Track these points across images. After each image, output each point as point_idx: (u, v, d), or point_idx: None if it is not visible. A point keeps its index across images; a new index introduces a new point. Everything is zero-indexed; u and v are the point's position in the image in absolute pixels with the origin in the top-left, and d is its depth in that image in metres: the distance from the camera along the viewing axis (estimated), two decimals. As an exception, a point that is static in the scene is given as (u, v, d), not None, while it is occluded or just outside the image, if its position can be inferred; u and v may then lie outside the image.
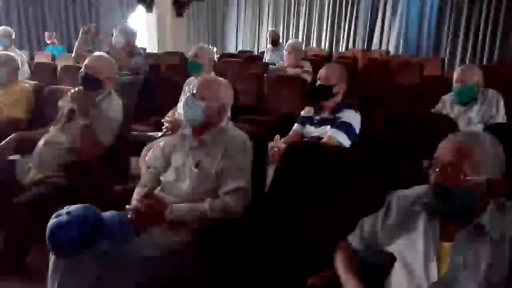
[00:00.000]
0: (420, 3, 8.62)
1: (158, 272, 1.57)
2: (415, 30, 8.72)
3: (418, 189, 1.23)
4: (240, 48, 11.30)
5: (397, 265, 1.18)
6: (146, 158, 2.55)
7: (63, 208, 2.09)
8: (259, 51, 9.84)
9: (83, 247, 1.41)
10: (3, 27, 4.90)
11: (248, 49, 10.86)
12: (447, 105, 2.90)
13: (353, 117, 2.31)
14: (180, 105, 3.15)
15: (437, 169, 1.12)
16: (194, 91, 1.80)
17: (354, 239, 1.33)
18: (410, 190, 1.26)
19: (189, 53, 3.14)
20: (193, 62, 3.02)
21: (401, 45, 8.84)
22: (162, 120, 3.04)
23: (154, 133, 3.18)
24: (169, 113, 3.14)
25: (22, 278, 2.25)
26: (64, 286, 1.40)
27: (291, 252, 1.54)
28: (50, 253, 1.45)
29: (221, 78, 1.88)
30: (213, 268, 1.57)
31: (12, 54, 3.16)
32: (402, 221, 1.21)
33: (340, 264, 1.27)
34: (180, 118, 2.99)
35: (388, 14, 9.01)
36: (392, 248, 1.20)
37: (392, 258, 1.21)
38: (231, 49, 11.18)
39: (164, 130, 2.97)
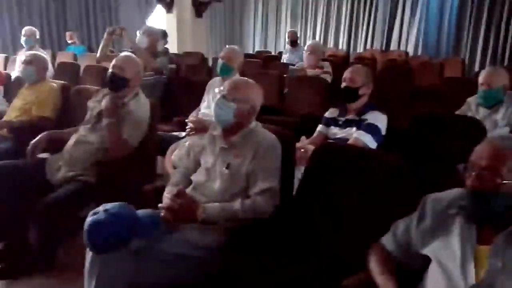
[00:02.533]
0: (440, 2, 8.53)
1: (189, 270, 1.60)
2: (435, 30, 8.64)
3: (453, 192, 1.24)
4: (257, 48, 11.32)
5: (433, 267, 1.18)
6: (172, 158, 2.62)
7: (92, 205, 2.16)
8: (277, 52, 9.85)
9: (119, 244, 1.45)
10: (28, 27, 4.99)
11: (264, 49, 10.89)
12: (472, 107, 2.87)
13: (379, 119, 2.31)
14: (204, 105, 3.21)
15: (474, 173, 1.13)
16: (225, 92, 1.82)
17: (388, 241, 1.33)
18: (445, 193, 1.27)
19: (220, 55, 3.15)
20: (224, 65, 3.04)
21: (420, 46, 8.76)
22: (186, 120, 3.08)
23: (177, 133, 3.22)
24: (193, 113, 3.18)
25: (53, 274, 2.32)
26: (102, 282, 1.43)
27: (322, 254, 1.55)
28: (87, 250, 1.49)
29: (251, 80, 1.89)
30: (243, 267, 1.60)
31: (41, 53, 3.23)
32: (438, 224, 1.21)
33: (375, 266, 1.28)
34: (204, 118, 3.04)
35: (407, 14, 8.94)
36: (427, 251, 1.21)
37: (426, 261, 1.22)
38: (249, 49, 11.20)
39: (188, 130, 3.01)
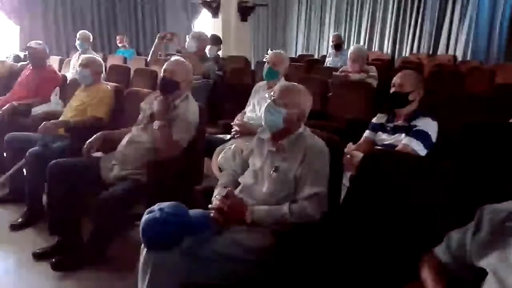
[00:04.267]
0: (492, 5, 8.19)
1: (236, 271, 1.64)
2: (485, 35, 8.30)
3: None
4: (299, 52, 11.30)
5: (490, 280, 1.15)
6: (218, 160, 2.67)
7: (142, 204, 2.24)
8: (319, 55, 9.79)
9: (173, 242, 1.50)
10: (82, 31, 5.22)
11: (307, 53, 10.85)
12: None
13: (430, 125, 2.25)
14: (249, 109, 3.25)
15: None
16: (275, 97, 1.84)
17: (441, 252, 1.31)
18: (502, 204, 1.23)
19: (266, 59, 3.19)
20: (270, 69, 3.07)
21: (469, 50, 8.45)
22: (231, 124, 3.14)
23: (223, 135, 3.28)
24: (238, 117, 3.23)
25: (103, 268, 2.42)
26: (155, 278, 1.49)
27: (370, 262, 1.54)
28: (142, 246, 1.55)
29: (301, 85, 1.91)
30: (288, 271, 1.61)
31: (96, 57, 3.38)
32: (495, 236, 1.18)
33: (428, 276, 1.26)
34: (249, 121, 3.09)
35: (456, 17, 8.63)
36: (484, 263, 1.18)
37: (482, 273, 1.19)
38: (291, 53, 11.20)
39: (233, 133, 3.06)
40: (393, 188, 1.62)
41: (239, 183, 1.93)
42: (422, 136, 2.22)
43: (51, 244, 2.57)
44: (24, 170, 3.08)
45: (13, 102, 3.72)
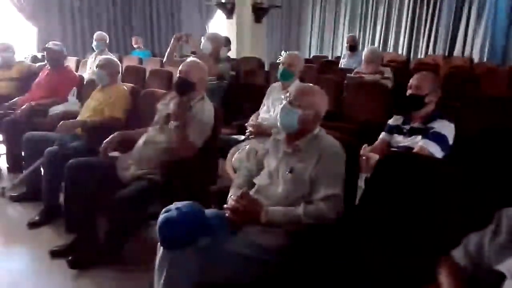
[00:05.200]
0: (509, 6, 8.07)
1: (250, 271, 1.64)
2: (503, 36, 8.17)
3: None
4: (313, 53, 11.27)
5: (508, 284, 1.14)
6: (232, 160, 2.69)
7: (158, 203, 2.26)
8: (333, 56, 9.75)
9: (189, 241, 1.52)
10: (99, 32, 5.29)
11: (320, 54, 10.81)
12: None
13: (447, 128, 2.22)
14: (263, 109, 3.26)
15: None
16: (291, 98, 1.84)
17: (459, 255, 1.29)
18: (521, 208, 1.22)
19: (281, 60, 3.19)
20: (285, 70, 3.08)
21: (486, 52, 8.33)
22: (245, 124, 3.15)
23: (237, 136, 3.29)
24: (252, 117, 3.24)
25: (119, 267, 2.45)
26: (171, 277, 1.51)
27: (384, 264, 1.53)
28: (158, 245, 1.57)
29: (317, 86, 1.91)
30: (303, 272, 1.61)
31: (113, 58, 3.42)
32: (514, 240, 1.17)
33: (445, 279, 1.24)
34: (263, 122, 3.10)
35: (472, 18, 8.51)
36: (502, 267, 1.16)
37: (501, 277, 1.17)
38: (305, 54, 11.17)
39: (248, 134, 3.07)
40: (409, 190, 1.61)
41: (254, 184, 1.93)
42: (439, 138, 2.19)
43: (67, 242, 2.61)
44: (42, 169, 3.14)
45: (31, 102, 3.79)
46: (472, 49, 8.55)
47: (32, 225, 2.96)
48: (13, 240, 2.86)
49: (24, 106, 3.76)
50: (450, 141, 2.22)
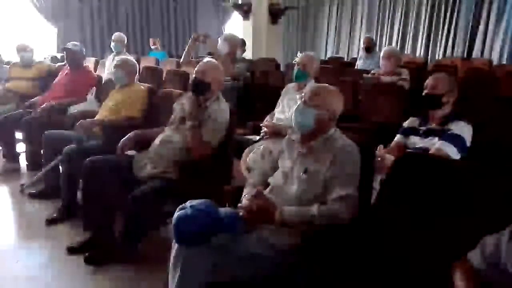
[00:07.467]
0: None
1: (263, 270, 1.65)
2: (524, 38, 8.03)
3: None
4: (329, 54, 11.22)
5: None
6: (247, 160, 2.70)
7: (173, 202, 2.28)
8: (349, 58, 9.68)
9: (203, 239, 1.53)
10: (117, 33, 5.35)
11: (336, 55, 10.75)
12: None
13: (464, 129, 2.20)
14: (278, 110, 3.26)
15: None
16: (306, 98, 1.84)
17: (475, 257, 1.28)
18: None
19: (296, 61, 3.20)
20: (300, 71, 3.08)
21: (505, 54, 8.17)
22: (260, 125, 3.15)
23: (252, 136, 3.30)
24: (267, 118, 3.24)
25: (134, 264, 2.48)
26: (185, 273, 1.52)
27: (399, 266, 1.52)
28: (173, 242, 1.59)
29: (332, 87, 1.90)
30: (316, 272, 1.61)
31: (131, 59, 3.47)
32: (531, 243, 1.15)
33: (461, 282, 1.23)
34: (278, 123, 3.10)
35: (492, 19, 8.35)
36: (519, 270, 1.15)
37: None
38: (321, 55, 11.12)
39: (262, 134, 3.08)
40: (425, 191, 1.60)
41: (268, 184, 1.94)
42: (456, 140, 2.17)
43: (84, 239, 2.65)
44: (60, 167, 3.20)
45: (51, 101, 3.87)
46: (491, 51, 8.40)
47: (50, 221, 3.03)
48: (31, 236, 2.92)
49: (44, 105, 3.84)
50: (468, 143, 2.20)
